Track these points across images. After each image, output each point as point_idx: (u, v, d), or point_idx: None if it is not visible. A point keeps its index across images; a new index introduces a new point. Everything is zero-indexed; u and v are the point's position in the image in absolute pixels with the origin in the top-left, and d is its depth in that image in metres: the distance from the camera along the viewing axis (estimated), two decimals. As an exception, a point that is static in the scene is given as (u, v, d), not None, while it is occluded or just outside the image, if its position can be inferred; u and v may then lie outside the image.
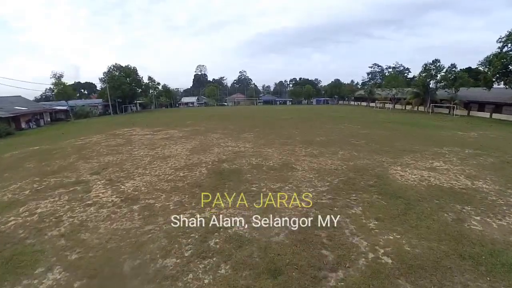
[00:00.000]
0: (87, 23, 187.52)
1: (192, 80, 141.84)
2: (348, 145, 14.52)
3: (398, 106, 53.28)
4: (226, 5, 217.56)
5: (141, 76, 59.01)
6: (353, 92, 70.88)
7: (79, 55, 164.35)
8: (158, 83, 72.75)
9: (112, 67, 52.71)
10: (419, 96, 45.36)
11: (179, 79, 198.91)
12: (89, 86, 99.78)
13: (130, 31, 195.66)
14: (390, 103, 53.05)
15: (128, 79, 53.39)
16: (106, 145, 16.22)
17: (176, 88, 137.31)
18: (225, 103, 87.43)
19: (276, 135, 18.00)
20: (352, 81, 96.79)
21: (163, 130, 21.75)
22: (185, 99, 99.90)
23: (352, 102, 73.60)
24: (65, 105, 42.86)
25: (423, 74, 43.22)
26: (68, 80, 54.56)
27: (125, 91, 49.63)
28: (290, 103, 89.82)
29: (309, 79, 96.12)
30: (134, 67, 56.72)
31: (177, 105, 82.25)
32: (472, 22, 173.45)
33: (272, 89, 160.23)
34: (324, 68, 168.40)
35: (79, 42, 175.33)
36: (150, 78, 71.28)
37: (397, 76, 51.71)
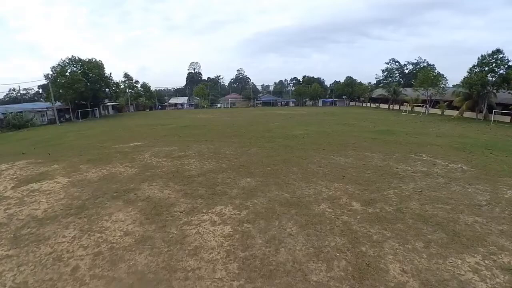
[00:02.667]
0: (84, 22, 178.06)
1: (185, 79, 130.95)
2: None
3: (433, 110, 41.58)
4: (224, 4, 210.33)
5: (109, 73, 47.34)
6: (369, 92, 58.97)
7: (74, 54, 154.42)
8: (137, 81, 61.24)
9: (66, 61, 40.79)
10: (470, 99, 33.67)
11: (175, 78, 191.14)
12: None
13: (128, 30, 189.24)
14: (423, 106, 41.27)
15: (89, 76, 41.63)
16: None
17: (165, 88, 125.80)
18: (219, 104, 75.68)
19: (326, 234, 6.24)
20: (362, 82, 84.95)
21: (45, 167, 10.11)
22: (173, 100, 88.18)
23: (366, 104, 61.87)
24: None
25: (476, 70, 31.53)
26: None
27: (80, 91, 37.77)
28: (294, 104, 78.09)
29: (315, 76, 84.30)
30: (99, 61, 44.97)
31: (160, 107, 70.33)
32: (471, 21, 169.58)
33: (271, 88, 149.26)
34: (324, 67, 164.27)
35: (72, 41, 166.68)
36: (126, 75, 59.94)
37: (435, 74, 39.93)
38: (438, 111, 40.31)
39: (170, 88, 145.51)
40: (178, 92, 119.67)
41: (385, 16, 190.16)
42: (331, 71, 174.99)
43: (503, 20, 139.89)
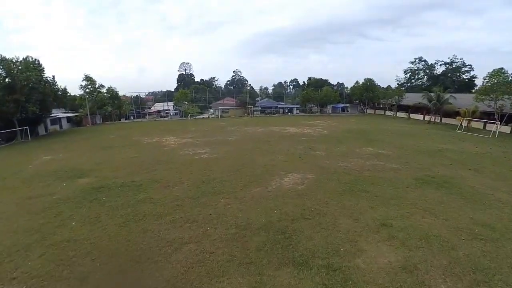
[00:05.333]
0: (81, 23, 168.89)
1: (176, 81, 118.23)
2: None
3: (503, 128, 29.09)
4: (221, 4, 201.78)
5: (50, 77, 34.66)
6: (399, 98, 46.15)
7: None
8: (101, 86, 48.30)
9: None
10: None
11: (169, 80, 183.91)
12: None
13: (126, 31, 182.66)
14: (496, 123, 28.58)
15: (14, 81, 28.86)
16: None
17: (148, 92, 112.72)
18: (211, 111, 62.92)
19: None
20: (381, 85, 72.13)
21: None
22: (157, 106, 75.20)
23: (392, 113, 49.32)
24: None
25: None
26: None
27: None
28: (298, 111, 65.45)
29: (323, 78, 71.73)
30: (35, 61, 32.33)
31: (134, 116, 57.36)
32: (469, 21, 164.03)
33: (270, 91, 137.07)
34: (324, 68, 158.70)
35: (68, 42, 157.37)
36: (88, 78, 47.04)
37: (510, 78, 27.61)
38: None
39: (158, 91, 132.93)
40: (167, 96, 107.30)
41: (384, 16, 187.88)
42: (329, 72, 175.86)
43: (501, 21, 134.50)
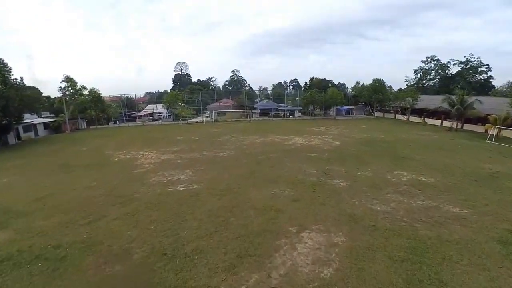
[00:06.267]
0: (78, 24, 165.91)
1: (172, 81, 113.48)
2: None
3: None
4: (220, 5, 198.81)
5: (18, 79, 30.10)
6: (413, 101, 41.38)
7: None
8: (83, 87, 43.57)
9: None
10: None
11: (167, 80, 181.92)
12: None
13: (125, 31, 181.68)
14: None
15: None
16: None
17: (145, 93, 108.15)
18: (206, 113, 58.27)
19: None
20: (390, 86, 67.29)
21: None
22: (149, 108, 70.42)
23: (400, 116, 44.66)
24: None
25: None
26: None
27: None
28: (300, 113, 60.81)
29: (326, 79, 67.04)
30: (-1, 60, 27.81)
31: (115, 122, 52.66)
32: (467, 22, 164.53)
33: (270, 91, 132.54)
34: (322, 68, 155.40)
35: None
36: (68, 78, 42.32)
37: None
38: None
39: (155, 91, 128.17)
40: (159, 98, 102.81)
41: (382, 17, 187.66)
42: (329, 73, 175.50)
43: (500, 21, 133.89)
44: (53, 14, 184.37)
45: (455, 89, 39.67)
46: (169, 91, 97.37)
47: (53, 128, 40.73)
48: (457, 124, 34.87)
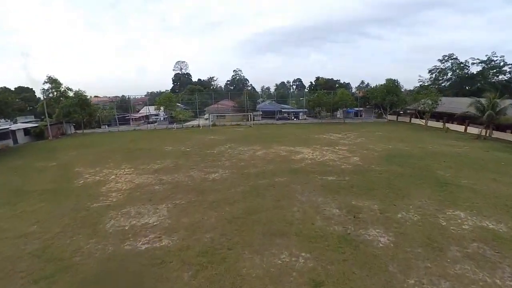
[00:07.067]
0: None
1: (172, 81, 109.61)
2: None
3: None
4: (220, 4, 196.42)
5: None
6: (434, 103, 36.79)
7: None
8: (68, 89, 39.81)
9: None
10: None
11: (167, 79, 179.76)
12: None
13: (125, 31, 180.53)
14: None
15: None
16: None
17: (146, 93, 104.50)
18: (205, 116, 54.29)
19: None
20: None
21: None
22: (144, 111, 66.45)
23: (416, 120, 40.19)
24: None
25: None
26: None
27: None
28: (305, 116, 56.65)
29: (334, 78, 62.65)
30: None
31: (108, 125, 48.74)
32: (469, 20, 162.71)
33: (272, 91, 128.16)
34: (323, 67, 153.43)
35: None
36: (51, 79, 38.58)
37: None
38: None
39: (157, 91, 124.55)
40: (152, 100, 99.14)
41: (383, 15, 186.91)
42: (332, 72, 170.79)
43: (502, 19, 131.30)
44: (53, 14, 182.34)
45: (483, 92, 35.18)
46: (168, 91, 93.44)
47: (35, 135, 36.93)
48: (486, 131, 30.52)
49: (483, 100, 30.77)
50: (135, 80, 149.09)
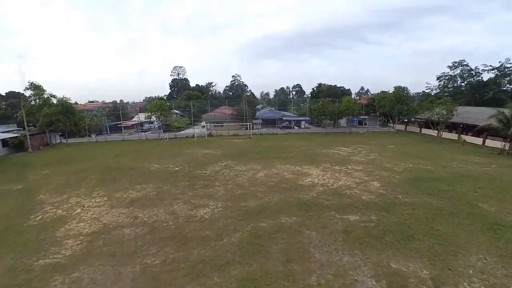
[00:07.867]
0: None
1: (169, 86, 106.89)
2: None
3: None
4: (220, 9, 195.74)
5: None
6: (449, 114, 33.78)
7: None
8: (52, 96, 36.73)
9: None
10: None
11: (165, 84, 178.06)
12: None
13: (124, 33, 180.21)
14: None
15: None
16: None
17: (145, 98, 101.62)
18: (202, 123, 51.29)
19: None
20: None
21: None
22: (139, 116, 63.27)
23: (427, 131, 37.21)
24: None
25: None
26: None
27: None
28: (307, 124, 53.69)
29: (337, 85, 59.84)
30: None
31: (98, 133, 45.42)
32: (469, 26, 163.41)
33: (271, 96, 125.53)
34: (323, 73, 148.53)
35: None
36: (33, 85, 35.46)
37: None
38: None
39: (155, 96, 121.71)
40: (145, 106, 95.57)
41: (383, 21, 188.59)
42: (331, 78, 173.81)
43: (501, 24, 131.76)
44: (53, 15, 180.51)
45: (501, 101, 32.33)
46: (164, 97, 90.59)
47: (13, 146, 33.65)
48: (510, 145, 27.58)
49: (507, 112, 27.95)
50: (134, 85, 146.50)
